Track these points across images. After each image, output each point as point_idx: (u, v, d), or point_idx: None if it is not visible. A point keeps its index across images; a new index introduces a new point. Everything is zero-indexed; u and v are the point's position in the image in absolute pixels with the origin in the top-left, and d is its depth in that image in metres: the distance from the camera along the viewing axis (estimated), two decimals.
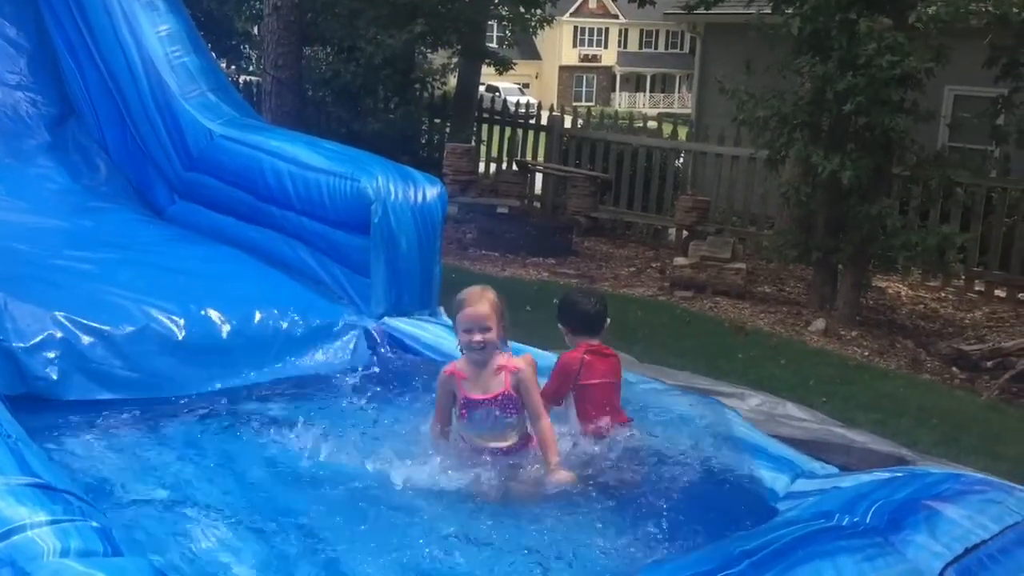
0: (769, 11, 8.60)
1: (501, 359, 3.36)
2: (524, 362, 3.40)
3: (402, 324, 4.70)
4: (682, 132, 13.00)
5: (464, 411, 3.37)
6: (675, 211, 9.94)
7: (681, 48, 47.97)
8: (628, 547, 3.01)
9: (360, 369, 4.52)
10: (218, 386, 4.18)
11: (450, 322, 4.94)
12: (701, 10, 10.27)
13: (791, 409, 5.16)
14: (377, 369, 4.57)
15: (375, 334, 4.66)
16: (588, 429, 3.54)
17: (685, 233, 9.45)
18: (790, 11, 7.91)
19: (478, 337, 3.29)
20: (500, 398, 3.32)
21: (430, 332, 4.64)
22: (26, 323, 3.78)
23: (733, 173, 10.71)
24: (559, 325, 3.78)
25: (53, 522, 2.24)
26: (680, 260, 8.66)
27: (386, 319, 4.73)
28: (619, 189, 11.31)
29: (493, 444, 3.35)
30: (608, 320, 3.77)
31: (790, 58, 7.86)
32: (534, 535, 3.06)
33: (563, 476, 3.22)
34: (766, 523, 2.60)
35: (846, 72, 7.30)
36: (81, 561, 2.10)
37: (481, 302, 3.31)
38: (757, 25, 8.20)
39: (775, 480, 3.00)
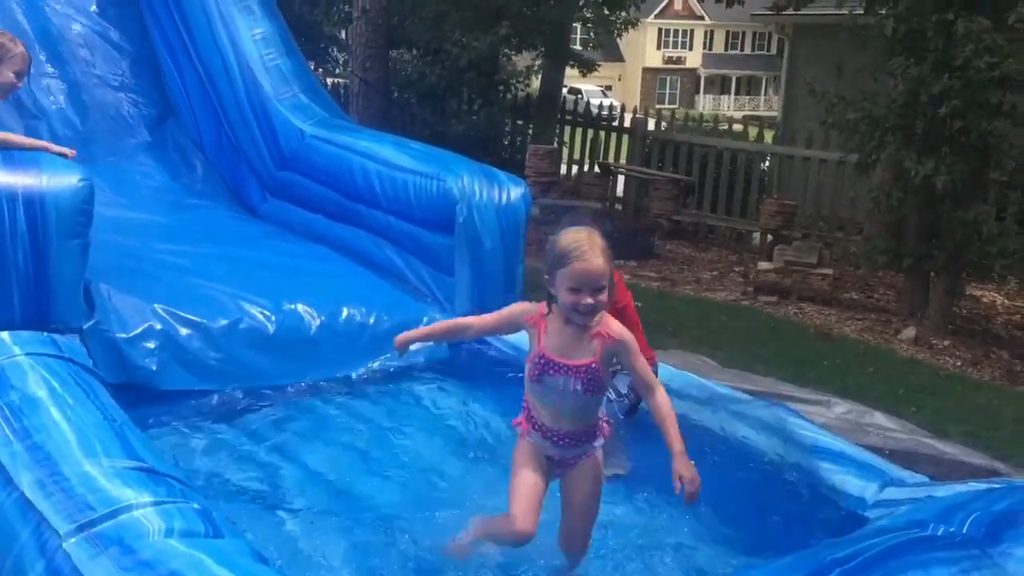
0: (861, 11, 8.40)
1: (594, 322, 2.64)
2: (619, 324, 2.69)
3: None
4: (768, 135, 12.80)
5: (537, 371, 2.69)
6: (760, 215, 9.79)
7: (768, 50, 47.19)
8: (712, 555, 2.99)
9: (444, 365, 4.60)
10: (306, 379, 4.28)
11: None
12: (790, 11, 10.09)
13: (879, 418, 5.04)
14: (459, 367, 4.63)
15: None
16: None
17: (770, 237, 9.29)
18: (883, 11, 7.71)
19: (588, 300, 2.54)
20: (586, 370, 2.64)
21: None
22: (128, 314, 3.94)
23: (821, 177, 10.48)
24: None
25: (157, 503, 2.34)
26: (764, 264, 8.52)
27: None
28: (702, 192, 11.18)
29: (561, 426, 2.74)
30: None
31: (883, 60, 7.66)
32: (611, 538, 3.07)
33: (689, 470, 2.57)
34: (856, 531, 2.55)
35: (942, 74, 7.09)
36: (184, 541, 2.19)
37: (596, 253, 2.54)
38: (848, 26, 8.01)
39: (864, 488, 2.94)
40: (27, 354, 3.30)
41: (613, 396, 3.75)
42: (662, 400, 2.66)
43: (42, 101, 6.04)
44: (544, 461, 2.78)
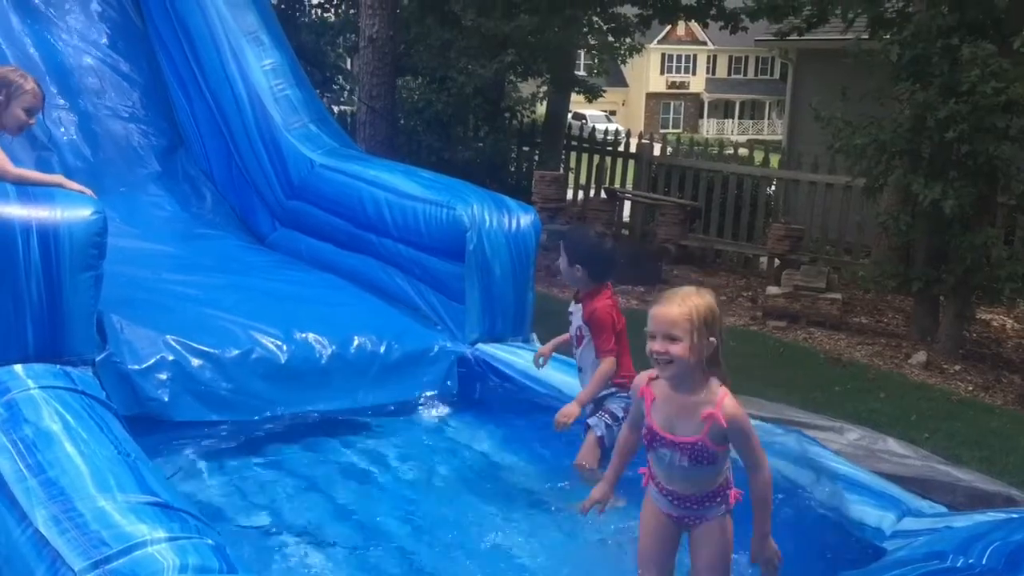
0: (866, 36, 8.43)
1: (708, 394, 2.59)
2: (735, 405, 2.60)
3: (496, 350, 4.74)
4: (773, 160, 12.82)
5: (647, 441, 2.71)
6: (767, 239, 9.78)
7: (771, 74, 47.34)
8: None
9: (454, 394, 4.59)
10: (318, 409, 4.28)
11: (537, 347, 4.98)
12: (794, 36, 10.14)
13: (892, 445, 5.00)
14: (471, 395, 4.63)
15: (469, 359, 4.71)
16: (622, 377, 3.64)
17: (777, 262, 9.29)
18: (888, 37, 7.75)
19: (658, 346, 2.55)
20: (692, 447, 2.60)
21: (523, 358, 4.66)
22: (140, 345, 3.95)
23: (828, 201, 10.48)
24: (574, 266, 3.77)
25: (171, 539, 2.33)
26: (773, 289, 8.51)
27: (480, 345, 4.78)
28: (709, 217, 11.19)
29: (674, 487, 2.70)
30: None
31: (889, 85, 7.69)
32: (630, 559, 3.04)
33: (769, 552, 2.62)
34: (875, 563, 2.52)
35: (948, 99, 7.11)
36: None
37: (674, 303, 2.56)
38: (854, 51, 8.04)
39: (881, 518, 2.91)
40: (41, 387, 3.31)
41: (609, 420, 3.75)
42: (764, 483, 2.61)
43: (54, 133, 6.08)
44: (665, 519, 2.75)
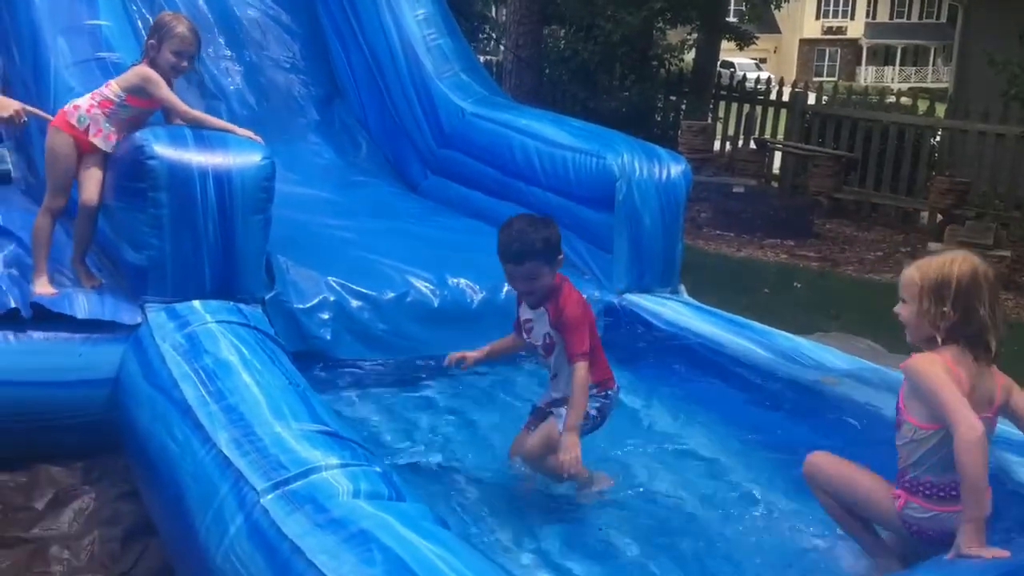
0: None
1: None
2: (926, 359, 2.47)
3: (643, 300, 4.72)
4: (938, 109, 12.12)
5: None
6: (929, 193, 9.32)
7: (937, 18, 44.49)
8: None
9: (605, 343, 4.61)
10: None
11: (690, 300, 4.94)
12: None
13: None
14: (617, 344, 4.63)
15: (617, 309, 4.72)
16: (598, 380, 3.14)
17: (940, 217, 8.84)
18: None
19: (897, 307, 2.55)
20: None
21: (670, 309, 4.64)
22: (305, 286, 4.14)
23: (997, 153, 9.86)
24: (543, 266, 3.08)
25: (343, 465, 2.47)
26: (935, 246, 8.10)
27: (627, 295, 4.77)
28: (865, 169, 10.72)
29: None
30: None
31: None
32: (754, 534, 3.03)
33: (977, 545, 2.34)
34: None
35: None
36: (371, 503, 2.30)
37: (913, 265, 2.54)
38: None
39: None
40: (217, 321, 3.53)
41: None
42: (958, 449, 2.33)
43: (222, 82, 6.39)
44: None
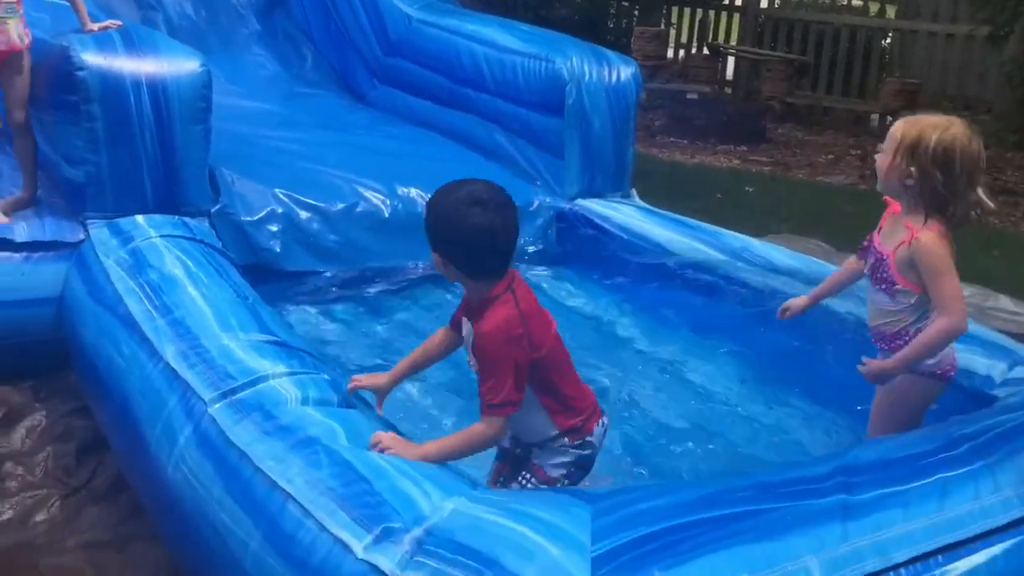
0: None
1: (918, 223, 2.46)
2: (934, 240, 2.42)
3: (595, 205, 4.72)
4: (889, 10, 12.06)
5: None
6: (880, 95, 9.34)
7: None
8: (841, 426, 3.00)
9: (553, 249, 4.62)
10: (420, 263, 4.37)
11: (641, 204, 4.94)
12: None
13: (1004, 303, 4.87)
14: (570, 249, 4.65)
15: (568, 215, 4.71)
16: (570, 425, 2.33)
17: (890, 119, 8.87)
18: None
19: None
20: (879, 260, 2.56)
21: (622, 213, 4.64)
22: (252, 199, 4.06)
23: (947, 53, 9.88)
24: (440, 255, 2.24)
25: (291, 374, 2.46)
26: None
27: (579, 200, 4.76)
28: (818, 73, 10.69)
29: (870, 322, 2.66)
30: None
31: None
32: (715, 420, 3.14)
33: (880, 366, 2.52)
34: (984, 409, 2.50)
35: None
36: (319, 409, 2.31)
37: (904, 120, 2.51)
38: None
39: (991, 367, 2.86)
40: (162, 236, 3.46)
41: (535, 483, 2.39)
42: (939, 329, 2.42)
43: None
44: None
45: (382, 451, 2.14)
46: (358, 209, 4.27)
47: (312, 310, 3.94)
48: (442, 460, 2.16)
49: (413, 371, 2.58)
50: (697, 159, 8.59)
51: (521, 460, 2.39)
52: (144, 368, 2.68)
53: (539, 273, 4.49)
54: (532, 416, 2.30)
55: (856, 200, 7.26)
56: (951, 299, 2.42)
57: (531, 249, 4.61)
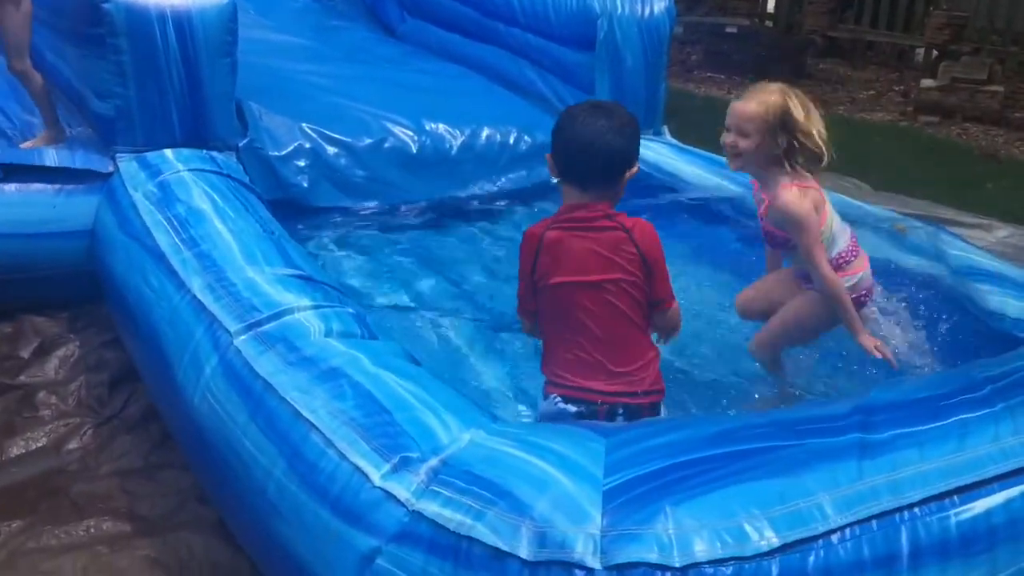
0: None
1: (778, 188, 2.62)
2: (793, 196, 2.59)
3: None
4: None
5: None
6: (925, 29, 9.05)
7: None
8: (860, 367, 2.98)
9: None
10: (448, 196, 4.36)
11: (672, 141, 4.87)
12: None
13: None
14: None
15: None
16: (557, 378, 2.26)
17: (935, 53, 8.62)
18: None
19: (730, 139, 2.63)
20: (764, 230, 2.77)
21: (653, 151, 4.58)
22: (280, 133, 4.06)
23: None
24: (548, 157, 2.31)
25: (316, 307, 2.48)
26: (928, 82, 7.95)
27: None
28: (862, 5, 10.37)
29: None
30: (621, 169, 2.23)
31: None
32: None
33: (874, 345, 2.69)
34: (1012, 351, 2.46)
35: None
36: (343, 341, 2.33)
37: (752, 100, 2.60)
38: None
39: (1022, 310, 2.81)
40: (190, 170, 3.48)
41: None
42: (822, 283, 2.68)
43: None
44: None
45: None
46: (386, 144, 4.26)
47: (339, 245, 3.96)
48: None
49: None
50: (734, 95, 8.42)
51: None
52: (171, 300, 2.72)
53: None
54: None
55: (895, 137, 7.12)
56: (818, 262, 2.66)
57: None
